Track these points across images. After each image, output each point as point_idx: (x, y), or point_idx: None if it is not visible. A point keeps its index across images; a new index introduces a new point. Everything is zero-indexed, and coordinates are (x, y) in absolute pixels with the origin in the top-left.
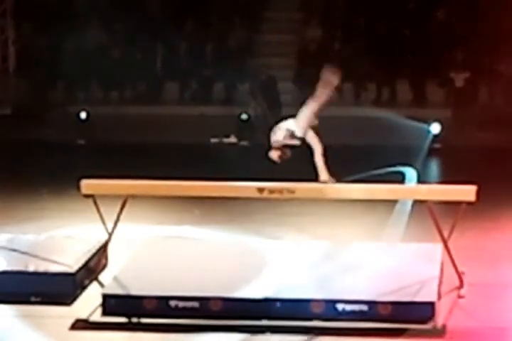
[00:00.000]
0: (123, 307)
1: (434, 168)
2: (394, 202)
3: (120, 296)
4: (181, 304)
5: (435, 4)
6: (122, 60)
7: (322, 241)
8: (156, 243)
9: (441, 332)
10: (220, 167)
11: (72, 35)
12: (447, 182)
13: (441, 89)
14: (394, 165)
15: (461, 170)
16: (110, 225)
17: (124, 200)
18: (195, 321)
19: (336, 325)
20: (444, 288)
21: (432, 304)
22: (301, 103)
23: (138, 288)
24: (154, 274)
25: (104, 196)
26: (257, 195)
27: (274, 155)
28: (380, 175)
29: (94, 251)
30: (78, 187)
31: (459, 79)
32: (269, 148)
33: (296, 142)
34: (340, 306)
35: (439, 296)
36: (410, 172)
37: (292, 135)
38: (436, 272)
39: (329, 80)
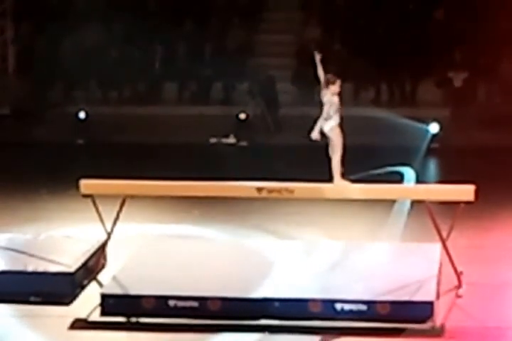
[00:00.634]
0: (122, 307)
1: (432, 167)
2: (393, 201)
3: (119, 296)
4: (180, 303)
5: (434, 4)
6: (121, 60)
7: (321, 241)
8: (155, 243)
9: (439, 331)
10: (218, 167)
11: (71, 36)
12: (446, 182)
13: (439, 89)
14: (393, 165)
15: (460, 170)
16: (109, 225)
17: (123, 200)
18: (193, 321)
19: (334, 325)
20: (442, 288)
21: (430, 303)
22: (300, 103)
23: (137, 287)
24: (153, 274)
25: (103, 196)
26: (255, 194)
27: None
28: (379, 174)
29: (93, 250)
30: (77, 187)
31: (458, 79)
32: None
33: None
34: (338, 306)
35: (438, 296)
36: (408, 173)
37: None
38: (435, 272)
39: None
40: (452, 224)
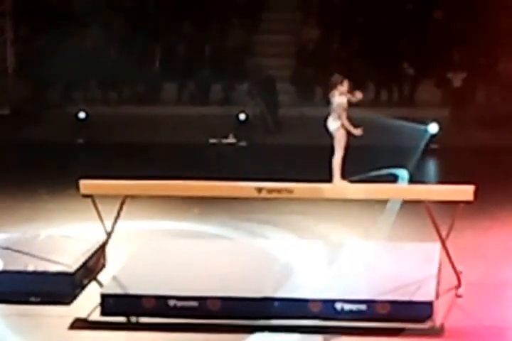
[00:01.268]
0: (122, 307)
1: (432, 167)
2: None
3: (119, 296)
4: (180, 303)
5: (433, 5)
6: (120, 60)
7: (320, 241)
8: (155, 243)
9: (439, 331)
10: (218, 167)
11: (71, 36)
12: (445, 182)
13: (439, 89)
14: (391, 166)
15: (459, 170)
16: (109, 225)
17: (123, 200)
18: (193, 320)
19: (334, 324)
20: (442, 288)
21: (430, 303)
22: (299, 103)
23: (136, 287)
24: (153, 274)
25: (102, 196)
26: (255, 194)
27: None
28: (377, 176)
29: (93, 250)
30: (77, 187)
31: (457, 80)
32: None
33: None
34: (338, 305)
35: (437, 295)
36: (403, 174)
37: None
38: (434, 271)
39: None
40: (452, 224)
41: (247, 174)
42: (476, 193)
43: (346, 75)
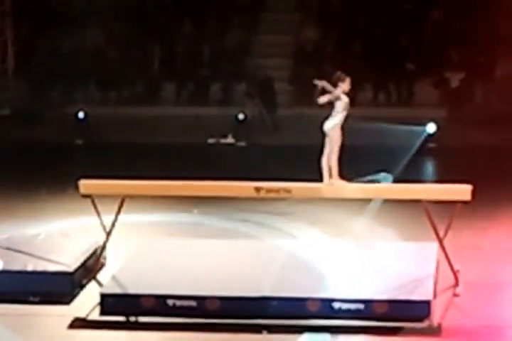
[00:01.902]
0: (121, 306)
1: (429, 167)
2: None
3: (118, 295)
4: (179, 303)
5: (431, 5)
6: (120, 60)
7: (318, 240)
8: (154, 243)
9: (436, 330)
10: (217, 167)
11: (70, 36)
12: (443, 182)
13: (436, 89)
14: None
15: (457, 170)
16: (108, 225)
17: (122, 200)
18: (192, 320)
19: (332, 323)
20: (439, 287)
21: (427, 302)
22: (298, 103)
23: (136, 287)
24: (152, 273)
25: (102, 196)
26: (254, 194)
27: None
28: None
29: (92, 250)
30: (76, 187)
31: (455, 80)
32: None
33: None
34: (336, 305)
35: (435, 295)
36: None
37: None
38: (432, 271)
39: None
40: (449, 224)
41: (246, 174)
42: (473, 193)
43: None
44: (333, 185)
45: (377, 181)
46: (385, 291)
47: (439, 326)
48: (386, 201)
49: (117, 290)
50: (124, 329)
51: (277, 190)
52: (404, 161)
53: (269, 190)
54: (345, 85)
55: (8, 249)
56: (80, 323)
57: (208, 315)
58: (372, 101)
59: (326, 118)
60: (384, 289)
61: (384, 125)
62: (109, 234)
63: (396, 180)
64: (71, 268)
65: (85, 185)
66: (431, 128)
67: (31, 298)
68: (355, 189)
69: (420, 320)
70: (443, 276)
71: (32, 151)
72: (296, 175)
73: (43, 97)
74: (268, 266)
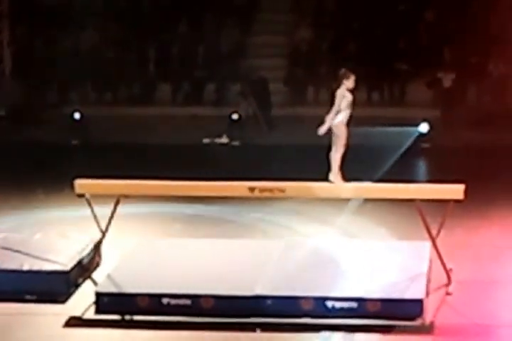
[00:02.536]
0: (116, 305)
1: (422, 167)
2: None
3: (113, 294)
4: (173, 301)
5: (424, 6)
6: (115, 61)
7: (312, 239)
8: (149, 242)
9: (429, 328)
10: (212, 167)
11: (67, 37)
12: (436, 181)
13: (429, 89)
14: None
15: (450, 169)
16: (104, 224)
17: (117, 200)
18: (187, 318)
19: (325, 322)
20: (432, 286)
21: (420, 301)
22: (292, 103)
23: (131, 286)
24: (147, 272)
25: (97, 195)
26: (248, 194)
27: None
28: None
29: (87, 249)
30: (72, 187)
31: (447, 80)
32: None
33: None
34: (329, 303)
35: (428, 293)
36: None
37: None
38: (425, 269)
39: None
40: (442, 223)
41: (240, 173)
42: (466, 192)
43: (337, 76)
44: (333, 182)
45: None
46: (377, 290)
47: (432, 324)
48: (379, 200)
49: (112, 289)
50: (120, 328)
51: (271, 190)
52: (397, 161)
53: (263, 190)
54: (349, 83)
55: (4, 248)
56: (75, 322)
57: (203, 314)
58: (366, 102)
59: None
60: (377, 288)
61: (377, 125)
62: (104, 233)
63: (389, 180)
64: (67, 268)
65: (81, 184)
66: (424, 128)
67: (27, 297)
68: (348, 188)
69: (413, 318)
70: (436, 275)
71: (28, 151)
72: (290, 175)
73: (39, 98)
74: (262, 264)
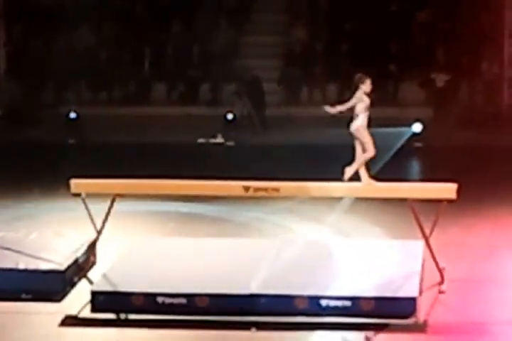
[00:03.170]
0: (111, 304)
1: (415, 166)
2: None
3: (109, 293)
4: (168, 300)
5: (417, 6)
6: (111, 61)
7: (306, 238)
8: (144, 241)
9: (422, 326)
10: (206, 166)
11: (62, 37)
12: (429, 181)
13: (422, 89)
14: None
15: (442, 169)
16: (99, 223)
17: (113, 199)
18: (182, 317)
19: (320, 321)
20: (425, 284)
21: (413, 299)
22: (286, 103)
23: (126, 285)
24: (142, 271)
25: (93, 195)
26: (243, 193)
27: None
28: None
29: (83, 249)
30: (68, 186)
31: (440, 80)
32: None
33: None
34: (324, 302)
35: (421, 292)
36: None
37: None
38: (418, 268)
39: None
40: (435, 222)
41: (235, 173)
42: (458, 191)
43: (333, 76)
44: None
45: None
46: (371, 288)
47: (425, 323)
48: (373, 200)
49: (108, 288)
50: (115, 327)
51: (265, 189)
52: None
53: (257, 189)
54: (365, 86)
55: (1, 247)
56: (71, 320)
57: (198, 312)
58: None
59: (350, 120)
60: (371, 286)
61: (371, 125)
62: (99, 232)
63: (383, 179)
64: (63, 267)
65: (76, 184)
66: (417, 127)
67: (23, 296)
68: (342, 188)
69: (406, 316)
70: (429, 274)
71: (24, 151)
72: (285, 174)
73: (35, 97)
74: (257, 263)
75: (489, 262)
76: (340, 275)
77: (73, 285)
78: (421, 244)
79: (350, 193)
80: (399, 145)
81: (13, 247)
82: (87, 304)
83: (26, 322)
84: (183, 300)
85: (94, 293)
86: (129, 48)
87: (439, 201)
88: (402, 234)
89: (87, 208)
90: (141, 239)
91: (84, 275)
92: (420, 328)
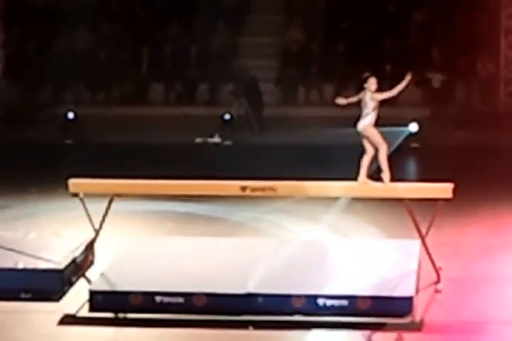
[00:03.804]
0: (110, 303)
1: (412, 166)
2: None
3: (107, 292)
4: (166, 299)
5: (413, 6)
6: (109, 61)
7: (302, 238)
8: (142, 241)
9: (418, 325)
10: (204, 166)
11: (60, 38)
12: (425, 180)
13: (419, 89)
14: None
15: (439, 168)
16: (97, 223)
17: (111, 199)
18: (180, 316)
19: (316, 320)
20: (421, 283)
21: (410, 299)
22: (283, 103)
23: (124, 284)
24: (140, 271)
25: (91, 195)
26: (240, 193)
27: None
28: None
29: (81, 248)
30: (66, 186)
31: (437, 80)
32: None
33: None
34: (320, 301)
35: (417, 291)
36: None
37: None
38: (414, 267)
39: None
40: (431, 221)
41: (232, 173)
42: (455, 191)
43: (330, 76)
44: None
45: None
46: (368, 288)
47: (421, 322)
48: (369, 199)
49: (106, 288)
50: (113, 326)
51: (263, 189)
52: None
53: (254, 189)
54: (369, 85)
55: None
56: (69, 320)
57: (195, 312)
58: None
59: (357, 119)
60: (367, 285)
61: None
62: (98, 232)
63: (379, 179)
64: (61, 266)
65: (75, 184)
66: (413, 127)
67: (22, 295)
68: (339, 187)
69: (403, 315)
70: (425, 273)
71: (22, 151)
72: (282, 174)
73: (33, 98)
74: (254, 263)
75: (485, 261)
76: (337, 275)
77: (71, 284)
78: (417, 243)
79: (346, 193)
80: (395, 145)
81: (11, 247)
82: (85, 303)
83: (25, 321)
84: (181, 300)
85: (92, 292)
86: (127, 49)
87: (435, 200)
88: (399, 233)
89: (85, 208)
90: (138, 238)
91: (83, 275)
92: (417, 327)
